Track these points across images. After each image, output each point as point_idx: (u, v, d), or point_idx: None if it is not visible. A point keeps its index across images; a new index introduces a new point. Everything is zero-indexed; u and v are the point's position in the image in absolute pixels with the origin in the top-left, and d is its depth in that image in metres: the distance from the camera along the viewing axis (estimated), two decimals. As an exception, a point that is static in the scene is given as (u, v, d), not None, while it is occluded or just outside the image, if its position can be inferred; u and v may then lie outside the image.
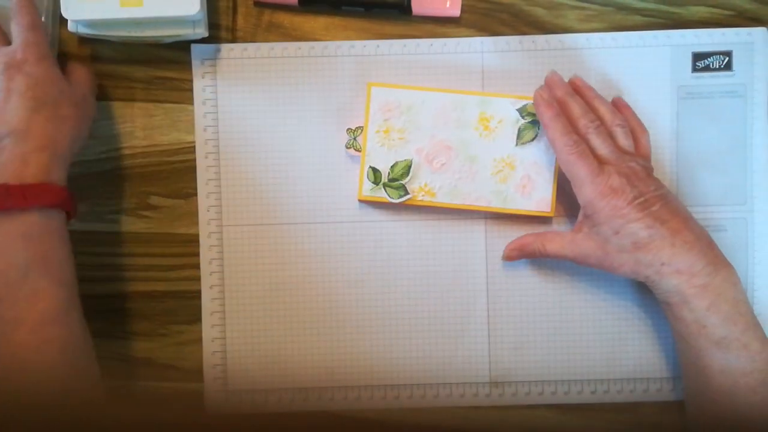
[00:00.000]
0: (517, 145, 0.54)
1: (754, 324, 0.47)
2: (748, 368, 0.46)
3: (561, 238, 0.52)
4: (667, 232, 0.47)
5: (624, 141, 0.51)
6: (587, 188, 0.49)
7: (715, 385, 0.47)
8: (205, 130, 0.56)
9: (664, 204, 0.48)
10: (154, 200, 0.56)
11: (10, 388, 0.44)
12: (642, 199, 0.48)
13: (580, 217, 0.51)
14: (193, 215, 0.56)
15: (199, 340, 0.56)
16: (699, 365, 0.48)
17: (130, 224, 0.56)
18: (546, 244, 0.52)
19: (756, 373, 0.46)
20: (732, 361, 0.46)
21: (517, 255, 0.54)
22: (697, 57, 0.56)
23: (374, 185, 0.54)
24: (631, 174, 0.49)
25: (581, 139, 0.50)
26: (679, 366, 0.53)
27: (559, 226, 0.55)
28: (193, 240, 0.56)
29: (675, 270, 0.47)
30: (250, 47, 0.56)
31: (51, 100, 0.47)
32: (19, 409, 0.43)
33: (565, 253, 0.51)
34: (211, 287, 0.56)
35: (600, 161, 0.49)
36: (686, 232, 0.48)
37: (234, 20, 0.56)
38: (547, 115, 0.51)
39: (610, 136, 0.51)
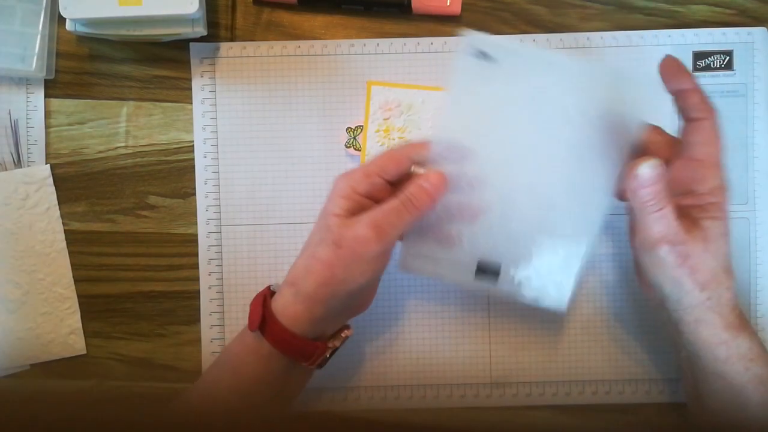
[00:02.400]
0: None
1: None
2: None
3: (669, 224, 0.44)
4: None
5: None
6: (719, 172, 0.44)
7: (752, 420, 0.45)
8: (203, 129, 0.56)
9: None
10: (153, 200, 0.56)
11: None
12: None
13: (688, 201, 0.45)
14: (191, 215, 0.56)
15: (197, 341, 0.56)
16: (737, 403, 0.46)
17: (128, 224, 0.56)
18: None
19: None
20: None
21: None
22: (698, 56, 0.56)
23: (374, 185, 0.54)
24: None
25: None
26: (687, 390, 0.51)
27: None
28: (192, 240, 0.56)
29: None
30: (249, 46, 0.55)
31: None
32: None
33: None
34: (209, 287, 0.56)
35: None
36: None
37: (233, 19, 0.56)
38: (693, 80, 0.45)
39: None
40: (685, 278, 0.44)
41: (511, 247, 0.48)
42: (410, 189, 0.45)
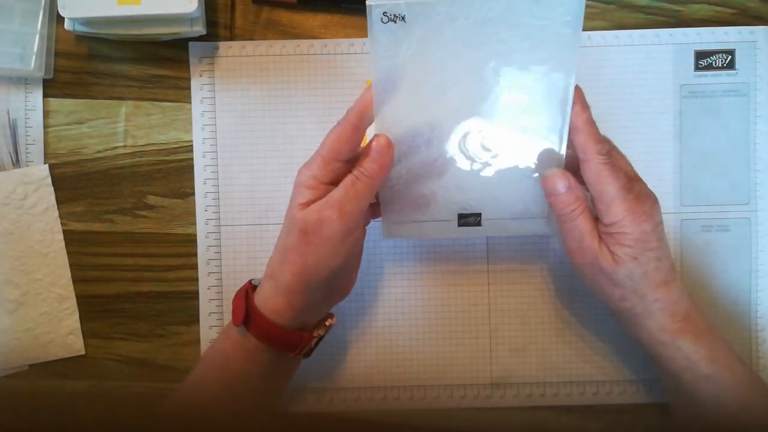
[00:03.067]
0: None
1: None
2: (738, 394, 0.46)
3: (582, 238, 0.47)
4: (668, 264, 0.46)
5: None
6: (618, 207, 0.45)
7: (709, 414, 0.46)
8: (202, 128, 0.55)
9: (664, 235, 0.47)
10: (152, 200, 0.56)
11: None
12: (660, 227, 0.46)
13: (600, 227, 0.47)
14: (190, 215, 0.56)
15: (197, 341, 0.56)
16: (691, 399, 0.47)
17: (127, 224, 0.56)
18: (579, 220, 0.46)
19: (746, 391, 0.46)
20: (721, 393, 0.46)
21: (557, 188, 0.46)
22: (700, 55, 0.55)
23: (374, 184, 0.54)
24: (654, 198, 0.46)
25: (612, 149, 0.46)
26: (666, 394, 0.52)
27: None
28: (191, 240, 0.56)
29: (673, 301, 0.46)
30: (249, 45, 0.55)
31: None
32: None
33: (574, 250, 0.48)
34: (208, 288, 0.55)
35: (628, 178, 0.46)
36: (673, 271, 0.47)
37: (232, 18, 0.56)
38: (584, 117, 0.45)
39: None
40: (605, 288, 0.47)
41: (483, 189, 0.48)
42: (360, 161, 0.46)
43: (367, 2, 0.41)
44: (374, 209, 0.51)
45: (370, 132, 0.47)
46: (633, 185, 0.46)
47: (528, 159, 0.47)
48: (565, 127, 0.46)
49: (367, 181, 0.45)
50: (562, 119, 0.46)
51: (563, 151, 0.47)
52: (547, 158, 0.47)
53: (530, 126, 0.46)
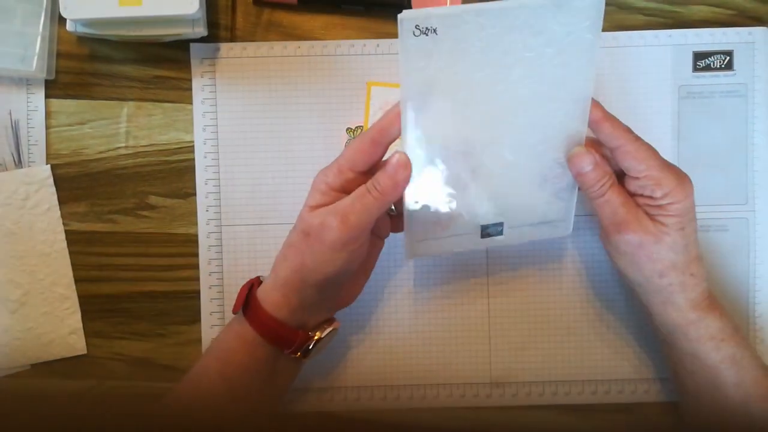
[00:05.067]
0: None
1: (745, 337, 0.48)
2: (759, 377, 0.47)
3: (616, 211, 0.47)
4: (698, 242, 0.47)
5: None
6: (668, 177, 0.46)
7: (729, 400, 0.47)
8: (204, 129, 0.56)
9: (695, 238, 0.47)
10: (153, 200, 0.56)
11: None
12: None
13: (645, 201, 0.47)
14: (191, 215, 0.56)
15: (198, 341, 0.56)
16: (713, 383, 0.47)
17: (128, 224, 0.56)
18: (610, 193, 0.47)
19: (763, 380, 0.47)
20: (744, 375, 0.46)
21: (583, 167, 0.47)
22: (698, 56, 0.56)
23: (374, 185, 0.54)
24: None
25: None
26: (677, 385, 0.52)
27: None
28: (192, 240, 0.56)
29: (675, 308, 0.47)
30: (250, 46, 0.55)
31: None
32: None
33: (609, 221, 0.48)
34: (210, 287, 0.56)
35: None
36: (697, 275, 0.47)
37: (233, 19, 0.56)
38: (603, 112, 0.46)
39: None
40: (642, 265, 0.47)
41: (505, 198, 0.48)
42: (375, 175, 0.46)
43: (399, 16, 0.41)
44: (395, 222, 0.50)
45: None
46: (667, 162, 0.47)
47: (546, 164, 0.48)
48: (584, 128, 0.47)
49: (377, 195, 0.45)
50: (581, 122, 0.46)
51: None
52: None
53: (551, 131, 0.47)
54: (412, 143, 0.45)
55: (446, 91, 0.44)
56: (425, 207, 0.48)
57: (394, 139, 0.46)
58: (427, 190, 0.47)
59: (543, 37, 0.43)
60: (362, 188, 0.45)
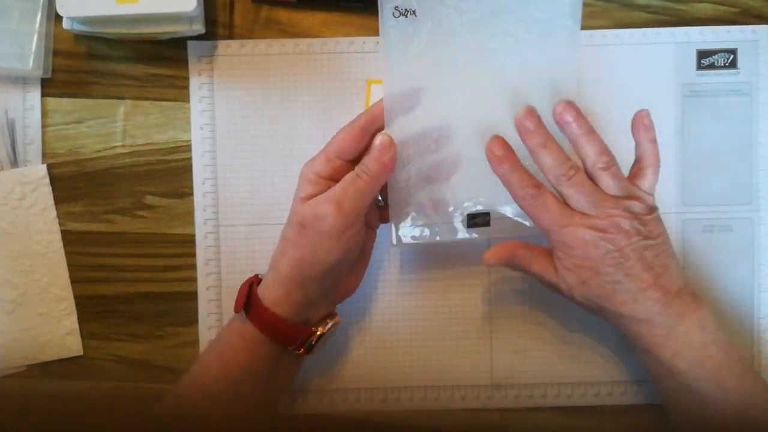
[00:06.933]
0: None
1: (728, 360, 0.45)
2: (720, 408, 0.44)
3: (548, 262, 0.48)
4: (633, 286, 0.44)
5: (610, 182, 0.45)
6: (552, 238, 0.45)
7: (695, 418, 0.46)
8: (201, 128, 0.55)
9: (639, 258, 0.44)
10: (150, 200, 0.55)
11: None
12: (616, 253, 0.44)
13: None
14: (189, 215, 0.55)
15: (195, 342, 0.55)
16: (673, 405, 0.47)
17: (125, 224, 0.55)
18: (533, 263, 0.48)
19: (730, 409, 0.44)
20: (707, 402, 0.45)
21: (499, 264, 0.49)
22: (702, 55, 0.55)
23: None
24: (609, 226, 0.44)
25: (544, 191, 0.45)
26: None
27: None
28: (189, 240, 0.55)
29: (636, 321, 0.45)
30: (248, 44, 0.55)
31: None
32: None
33: (549, 279, 0.48)
34: (207, 288, 0.55)
35: (574, 211, 0.45)
36: (653, 289, 0.44)
37: (231, 17, 0.55)
38: (500, 172, 0.46)
39: (590, 182, 0.45)
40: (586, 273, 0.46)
41: (491, 189, 0.48)
42: (363, 159, 0.46)
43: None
44: (383, 212, 0.50)
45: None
46: (574, 218, 0.46)
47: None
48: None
49: (367, 179, 0.45)
50: None
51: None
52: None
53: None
54: (395, 126, 0.46)
55: (427, 76, 0.46)
56: (409, 193, 0.48)
57: (383, 128, 0.46)
58: (410, 175, 0.48)
59: (524, 23, 0.44)
60: (351, 174, 0.46)
